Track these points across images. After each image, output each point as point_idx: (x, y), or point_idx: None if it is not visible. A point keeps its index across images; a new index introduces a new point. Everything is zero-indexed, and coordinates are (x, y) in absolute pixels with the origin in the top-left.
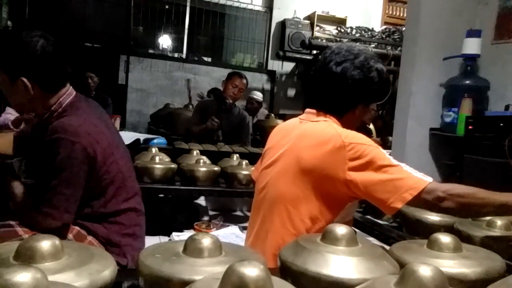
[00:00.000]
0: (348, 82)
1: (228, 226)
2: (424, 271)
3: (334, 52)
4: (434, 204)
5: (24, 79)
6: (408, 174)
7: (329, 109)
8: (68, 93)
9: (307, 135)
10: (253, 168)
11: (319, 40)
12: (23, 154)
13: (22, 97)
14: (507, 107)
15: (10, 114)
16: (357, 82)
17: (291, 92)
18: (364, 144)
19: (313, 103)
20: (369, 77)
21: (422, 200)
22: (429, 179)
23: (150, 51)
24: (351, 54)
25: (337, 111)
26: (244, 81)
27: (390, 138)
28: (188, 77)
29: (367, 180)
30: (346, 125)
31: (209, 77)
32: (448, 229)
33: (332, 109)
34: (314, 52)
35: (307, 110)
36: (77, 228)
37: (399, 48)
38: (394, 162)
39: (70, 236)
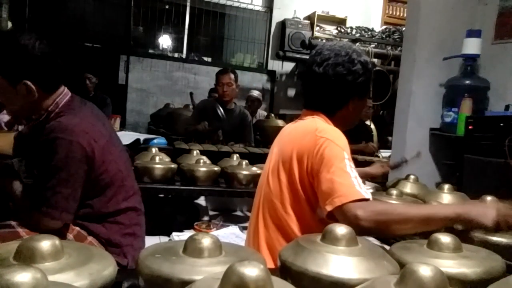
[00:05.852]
0: (331, 80)
1: (228, 226)
2: (424, 271)
3: (316, 53)
4: (351, 222)
5: (28, 82)
6: (349, 183)
7: (320, 108)
8: (64, 94)
9: (292, 132)
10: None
11: (319, 40)
12: (22, 155)
13: (22, 101)
14: (507, 107)
15: (5, 115)
16: (342, 78)
17: (291, 92)
18: (332, 141)
19: (306, 104)
20: (352, 71)
21: (343, 213)
22: (367, 196)
23: (150, 51)
24: (332, 52)
25: (328, 110)
26: (231, 75)
27: (390, 138)
28: (188, 77)
29: (320, 177)
30: (341, 122)
31: (209, 77)
32: (448, 229)
33: (324, 108)
34: None
35: (303, 111)
36: (77, 228)
37: (399, 48)
38: (348, 169)
39: (70, 236)
